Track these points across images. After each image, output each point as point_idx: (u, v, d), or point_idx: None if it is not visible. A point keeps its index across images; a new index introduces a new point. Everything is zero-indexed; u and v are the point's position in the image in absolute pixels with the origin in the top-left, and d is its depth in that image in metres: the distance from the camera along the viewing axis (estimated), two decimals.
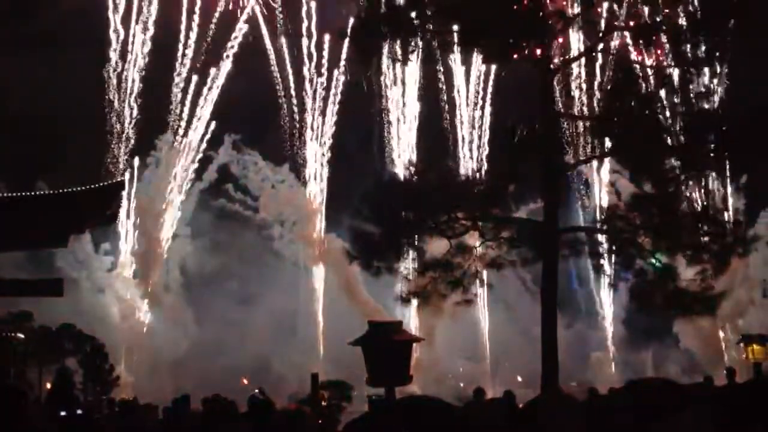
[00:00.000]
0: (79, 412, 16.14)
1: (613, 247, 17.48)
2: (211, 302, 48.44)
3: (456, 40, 17.66)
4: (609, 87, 17.71)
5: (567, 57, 18.96)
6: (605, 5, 17.20)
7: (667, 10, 17.08)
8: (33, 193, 29.48)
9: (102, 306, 47.69)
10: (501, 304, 50.88)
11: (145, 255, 49.74)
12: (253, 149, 51.63)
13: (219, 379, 38.75)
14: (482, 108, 53.44)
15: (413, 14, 17.47)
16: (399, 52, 17.87)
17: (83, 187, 31.77)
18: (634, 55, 17.58)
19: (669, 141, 16.91)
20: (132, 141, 50.56)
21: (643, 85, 17.22)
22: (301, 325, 50.66)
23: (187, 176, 51.00)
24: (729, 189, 47.27)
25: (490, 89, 53.43)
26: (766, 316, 49.95)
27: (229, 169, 51.44)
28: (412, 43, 17.68)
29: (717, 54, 17.25)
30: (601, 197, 49.16)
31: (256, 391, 21.63)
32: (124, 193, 41.98)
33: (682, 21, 17.12)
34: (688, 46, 16.86)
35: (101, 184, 34.60)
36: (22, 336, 37.66)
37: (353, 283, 47.88)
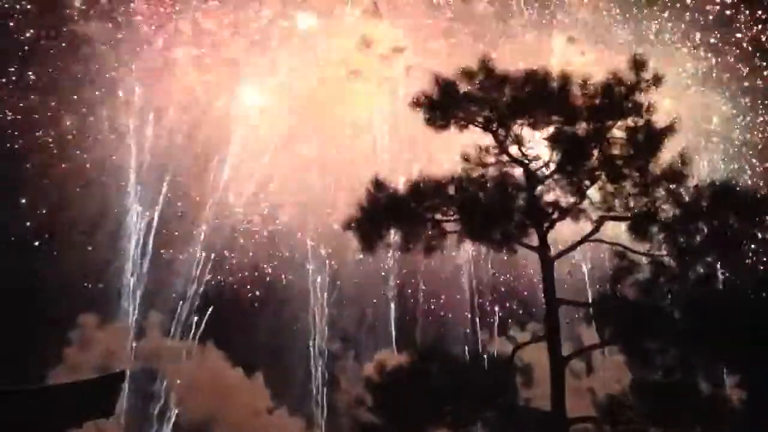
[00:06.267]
0: None
1: None
2: None
3: (457, 229, 18.11)
4: (608, 274, 17.93)
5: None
6: (599, 195, 17.72)
7: (660, 201, 17.55)
8: (30, 387, 28.83)
9: None
10: None
11: None
12: None
13: None
14: None
15: (413, 204, 18.06)
16: (401, 240, 18.32)
17: (82, 380, 31.07)
18: (629, 244, 17.86)
19: (669, 329, 16.86)
20: None
21: (641, 272, 17.41)
22: None
23: None
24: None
25: None
26: None
27: None
28: (414, 232, 18.15)
29: (713, 244, 17.46)
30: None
31: None
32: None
33: (676, 211, 17.51)
34: (683, 237, 17.18)
35: (101, 376, 33.98)
36: None
37: None
